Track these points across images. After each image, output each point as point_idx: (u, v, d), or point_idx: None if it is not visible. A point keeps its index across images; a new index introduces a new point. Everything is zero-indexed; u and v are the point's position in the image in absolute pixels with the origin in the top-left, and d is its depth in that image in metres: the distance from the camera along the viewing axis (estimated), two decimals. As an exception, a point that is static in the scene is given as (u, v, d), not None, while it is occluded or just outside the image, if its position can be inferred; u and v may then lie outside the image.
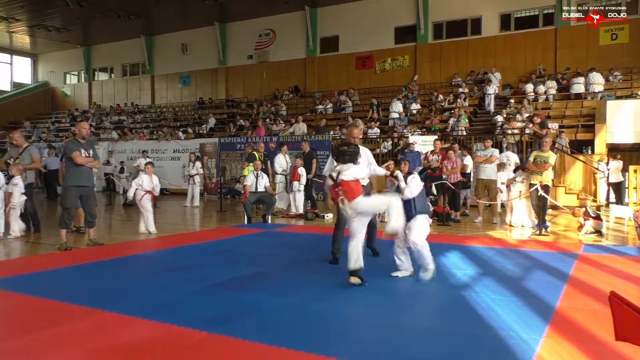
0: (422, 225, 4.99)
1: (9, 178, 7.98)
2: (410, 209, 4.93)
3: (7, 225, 7.84)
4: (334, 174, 4.62)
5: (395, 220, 4.54)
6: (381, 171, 5.47)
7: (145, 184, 8.48)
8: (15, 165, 7.99)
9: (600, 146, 13.59)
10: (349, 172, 4.53)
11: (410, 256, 5.09)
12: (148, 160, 12.76)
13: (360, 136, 6.43)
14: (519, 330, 3.44)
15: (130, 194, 8.62)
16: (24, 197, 8.07)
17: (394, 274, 5.07)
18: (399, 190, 5.02)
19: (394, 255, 5.12)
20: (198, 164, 13.99)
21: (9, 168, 8.06)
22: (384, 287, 4.74)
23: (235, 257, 6.29)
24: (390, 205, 4.56)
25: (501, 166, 9.74)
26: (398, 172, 5.15)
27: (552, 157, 8.44)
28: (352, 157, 4.64)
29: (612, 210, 11.17)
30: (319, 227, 9.30)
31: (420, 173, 10.96)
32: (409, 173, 5.29)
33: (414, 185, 5.01)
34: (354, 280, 4.58)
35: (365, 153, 6.11)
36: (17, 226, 7.97)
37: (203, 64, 26.98)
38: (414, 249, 4.89)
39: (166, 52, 28.20)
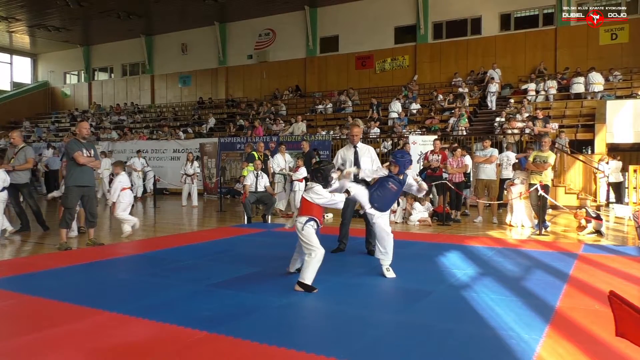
0: (387, 220, 5.29)
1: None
2: (386, 202, 5.22)
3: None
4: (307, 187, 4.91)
5: (304, 271, 4.53)
6: (382, 172, 5.51)
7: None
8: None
9: (600, 146, 13.59)
10: (310, 193, 4.69)
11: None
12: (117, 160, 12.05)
13: (361, 135, 6.62)
14: (519, 330, 3.45)
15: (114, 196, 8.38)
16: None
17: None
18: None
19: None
20: (196, 163, 14.00)
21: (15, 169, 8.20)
22: (383, 287, 4.74)
23: (235, 257, 6.29)
24: (312, 257, 4.53)
25: (515, 166, 9.74)
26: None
27: (551, 157, 8.44)
28: (324, 174, 4.71)
29: (613, 210, 11.17)
30: (318, 227, 9.28)
31: (420, 173, 10.99)
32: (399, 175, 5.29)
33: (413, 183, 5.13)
34: (298, 288, 4.54)
35: (368, 150, 6.30)
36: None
37: (203, 64, 26.97)
38: (385, 237, 5.10)
39: (166, 52, 28.19)
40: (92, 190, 7.12)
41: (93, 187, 7.18)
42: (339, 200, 4.75)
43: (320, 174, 4.71)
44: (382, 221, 5.13)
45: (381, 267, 5.11)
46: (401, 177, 5.23)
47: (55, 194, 8.62)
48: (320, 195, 4.65)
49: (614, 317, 1.92)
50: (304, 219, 4.62)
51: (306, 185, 10.85)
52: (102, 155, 15.58)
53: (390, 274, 5.05)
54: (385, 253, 5.10)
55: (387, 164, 5.84)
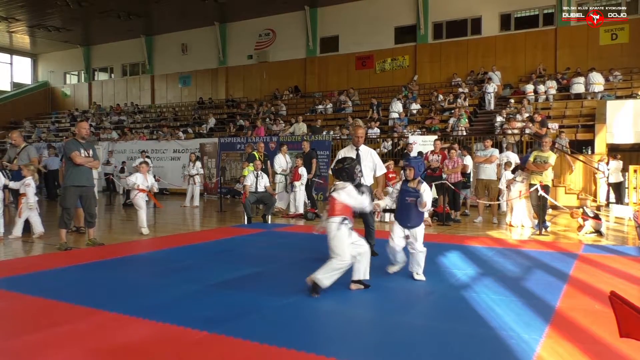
0: (423, 232, 5.03)
1: (19, 178, 8.02)
2: (417, 216, 4.96)
3: (7, 226, 7.86)
4: (332, 188, 4.69)
5: (322, 269, 4.31)
6: (381, 171, 5.45)
7: (138, 182, 8.50)
8: (26, 166, 8.05)
9: (600, 146, 13.59)
10: (341, 194, 4.49)
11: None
12: (143, 159, 12.69)
13: (364, 137, 6.51)
14: (519, 330, 3.44)
15: (132, 180, 8.64)
16: (37, 197, 8.11)
17: (391, 270, 5.13)
18: (408, 198, 4.97)
19: (387, 252, 5.16)
20: (198, 163, 14.00)
21: (21, 169, 8.13)
22: (383, 287, 4.74)
23: (235, 257, 6.29)
24: (335, 263, 4.32)
25: (507, 165, 9.73)
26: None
27: (552, 157, 8.43)
28: (349, 173, 4.54)
29: (613, 210, 11.17)
30: (319, 227, 9.28)
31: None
32: (414, 179, 5.07)
33: (427, 195, 4.94)
34: (355, 286, 4.56)
35: (370, 154, 6.19)
36: (21, 227, 7.99)
37: (203, 64, 26.99)
38: (418, 254, 4.92)
39: (166, 52, 28.21)
40: (90, 191, 7.11)
41: (92, 187, 7.17)
42: (368, 203, 4.59)
43: (345, 173, 4.53)
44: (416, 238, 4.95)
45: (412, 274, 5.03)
46: (415, 186, 4.96)
47: (13, 184, 8.04)
48: (352, 196, 4.47)
49: (616, 318, 1.92)
50: (338, 219, 4.37)
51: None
52: None
53: (419, 277, 4.97)
54: (419, 267, 4.98)
55: (388, 163, 5.80)
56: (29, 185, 7.91)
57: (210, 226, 9.79)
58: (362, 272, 4.54)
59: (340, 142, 15.71)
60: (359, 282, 4.54)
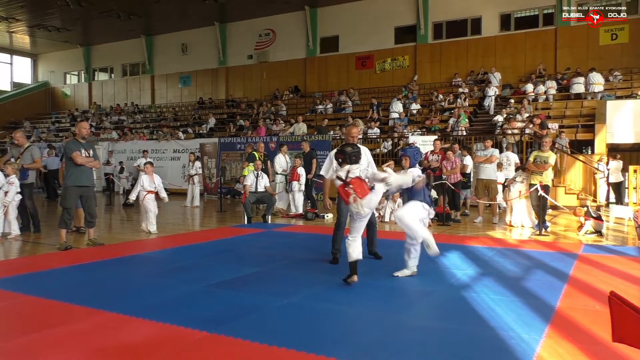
0: (412, 207, 5.05)
1: (25, 178, 8.00)
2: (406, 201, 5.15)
3: (9, 225, 7.85)
4: (343, 174, 4.71)
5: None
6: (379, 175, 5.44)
7: (146, 184, 8.50)
8: (10, 164, 8.00)
9: (600, 146, 13.59)
10: (358, 172, 4.66)
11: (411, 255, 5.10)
12: (148, 160, 12.80)
13: (360, 136, 6.45)
14: (519, 330, 3.44)
15: (133, 196, 8.61)
16: (19, 196, 8.06)
17: (396, 273, 5.08)
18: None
19: (404, 252, 5.12)
20: (198, 163, 14.00)
21: (4, 167, 8.06)
22: (384, 287, 4.74)
23: (235, 257, 6.29)
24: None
25: (499, 166, 9.74)
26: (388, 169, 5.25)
27: (552, 157, 8.43)
28: (357, 157, 4.81)
29: (613, 210, 11.17)
30: (319, 227, 9.30)
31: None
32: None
33: (410, 173, 5.07)
34: (350, 280, 4.64)
35: (364, 152, 6.13)
36: (17, 225, 7.97)
37: (203, 64, 26.98)
38: (399, 224, 5.05)
39: (166, 52, 28.20)
40: (90, 191, 7.12)
41: (92, 187, 7.17)
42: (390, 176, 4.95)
43: (354, 156, 4.78)
44: (403, 216, 5.01)
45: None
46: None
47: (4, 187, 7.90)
48: (368, 168, 4.85)
49: (612, 321, 1.91)
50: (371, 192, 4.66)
51: (304, 178, 10.92)
52: None
53: (403, 272, 5.01)
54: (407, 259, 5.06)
55: (388, 163, 5.80)
56: (13, 184, 7.88)
57: (210, 226, 9.79)
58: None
59: (340, 142, 15.70)
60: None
